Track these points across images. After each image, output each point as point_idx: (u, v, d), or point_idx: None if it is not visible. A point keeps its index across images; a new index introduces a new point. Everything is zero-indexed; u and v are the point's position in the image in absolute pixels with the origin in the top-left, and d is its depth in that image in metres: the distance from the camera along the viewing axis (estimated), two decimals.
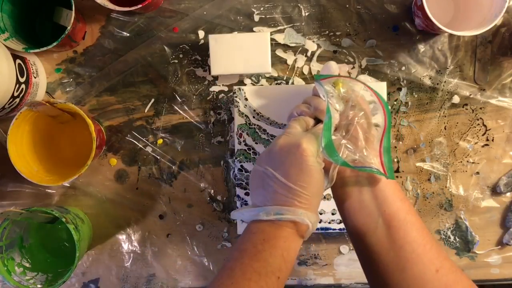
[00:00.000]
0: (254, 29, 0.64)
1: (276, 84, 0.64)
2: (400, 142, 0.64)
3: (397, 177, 0.64)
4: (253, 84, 0.64)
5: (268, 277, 0.41)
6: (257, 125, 0.61)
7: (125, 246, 0.67)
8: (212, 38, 0.60)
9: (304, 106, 0.50)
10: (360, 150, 0.45)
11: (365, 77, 0.63)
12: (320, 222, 0.61)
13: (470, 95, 0.63)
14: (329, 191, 0.58)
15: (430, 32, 0.62)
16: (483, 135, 0.64)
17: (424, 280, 0.41)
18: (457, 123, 0.64)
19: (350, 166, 0.43)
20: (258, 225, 0.43)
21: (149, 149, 0.66)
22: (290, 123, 0.47)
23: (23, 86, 0.60)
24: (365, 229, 0.44)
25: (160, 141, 0.66)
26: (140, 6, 0.57)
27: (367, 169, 0.44)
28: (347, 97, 0.47)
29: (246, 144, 0.61)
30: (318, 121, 0.49)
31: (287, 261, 0.42)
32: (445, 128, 0.64)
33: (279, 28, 0.64)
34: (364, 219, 0.44)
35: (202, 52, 0.64)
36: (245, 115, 0.61)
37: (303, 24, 0.64)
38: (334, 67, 0.52)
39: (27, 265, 0.62)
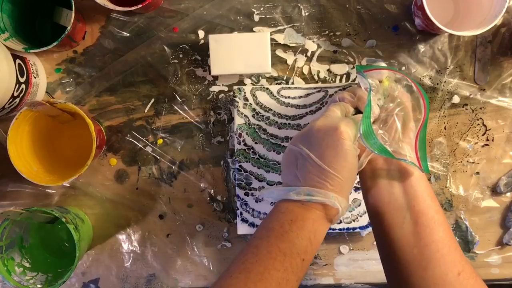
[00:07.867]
0: (254, 29, 0.64)
1: (276, 83, 0.64)
2: None
3: None
4: (253, 84, 0.64)
5: (293, 258, 0.40)
6: (257, 125, 0.61)
7: (125, 246, 0.67)
8: (212, 38, 0.60)
9: (348, 94, 0.50)
10: (396, 141, 0.45)
11: None
12: None
13: (470, 95, 0.63)
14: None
15: (430, 32, 0.62)
16: (483, 135, 0.63)
17: (446, 281, 0.40)
18: (457, 123, 0.64)
19: (387, 151, 0.43)
20: (287, 205, 0.43)
21: (149, 149, 0.66)
22: (330, 106, 0.47)
23: (23, 86, 0.60)
24: (392, 223, 0.43)
25: (160, 141, 0.66)
26: (140, 6, 0.57)
27: (402, 159, 0.44)
28: (390, 92, 0.47)
29: (245, 144, 0.61)
30: (357, 112, 0.49)
31: (313, 243, 0.42)
32: (445, 128, 0.64)
33: (279, 28, 0.64)
34: (392, 212, 0.44)
35: (202, 52, 0.64)
36: (245, 115, 0.61)
37: (303, 24, 0.64)
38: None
39: (27, 265, 0.62)
